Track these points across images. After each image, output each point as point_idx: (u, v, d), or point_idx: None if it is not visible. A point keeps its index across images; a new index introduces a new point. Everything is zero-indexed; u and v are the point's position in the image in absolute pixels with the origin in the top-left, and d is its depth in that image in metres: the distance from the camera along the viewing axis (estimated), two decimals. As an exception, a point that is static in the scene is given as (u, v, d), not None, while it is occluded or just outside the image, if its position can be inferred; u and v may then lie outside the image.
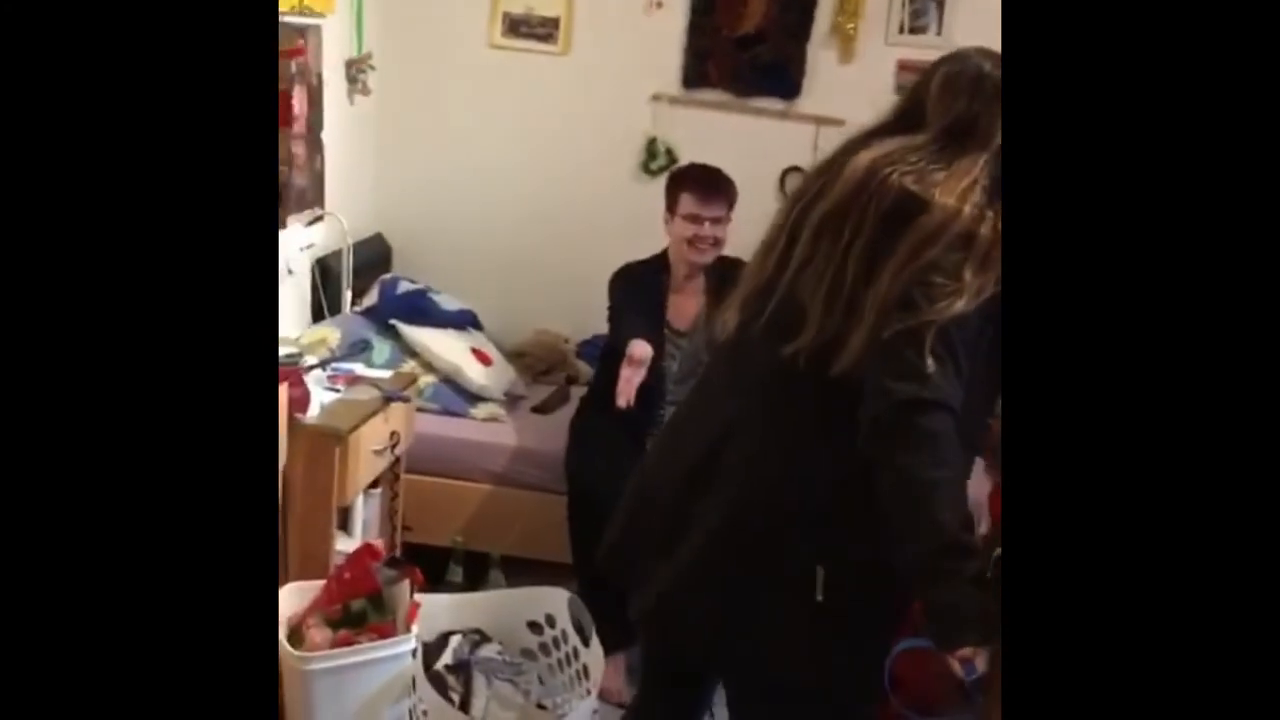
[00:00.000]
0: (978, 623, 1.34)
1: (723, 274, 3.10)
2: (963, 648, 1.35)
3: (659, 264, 3.14)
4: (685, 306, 3.13)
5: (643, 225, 3.83)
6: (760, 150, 3.75)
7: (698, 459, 1.67)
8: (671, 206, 3.06)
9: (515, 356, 3.78)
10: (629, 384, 2.73)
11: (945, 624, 1.37)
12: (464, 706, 2.48)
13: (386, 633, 2.31)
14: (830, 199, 1.56)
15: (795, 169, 3.75)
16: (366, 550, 2.37)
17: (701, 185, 3.02)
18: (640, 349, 2.79)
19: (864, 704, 1.64)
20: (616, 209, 3.87)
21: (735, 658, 1.67)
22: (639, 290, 3.08)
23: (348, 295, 3.41)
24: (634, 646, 2.93)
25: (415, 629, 2.28)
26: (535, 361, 3.79)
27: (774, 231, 1.69)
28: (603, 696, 2.81)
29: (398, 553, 2.96)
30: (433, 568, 3.14)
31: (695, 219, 3.00)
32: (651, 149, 3.80)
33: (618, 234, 3.86)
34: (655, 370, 3.00)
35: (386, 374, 2.86)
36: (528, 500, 3.13)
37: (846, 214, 1.53)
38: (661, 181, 3.79)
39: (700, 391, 1.83)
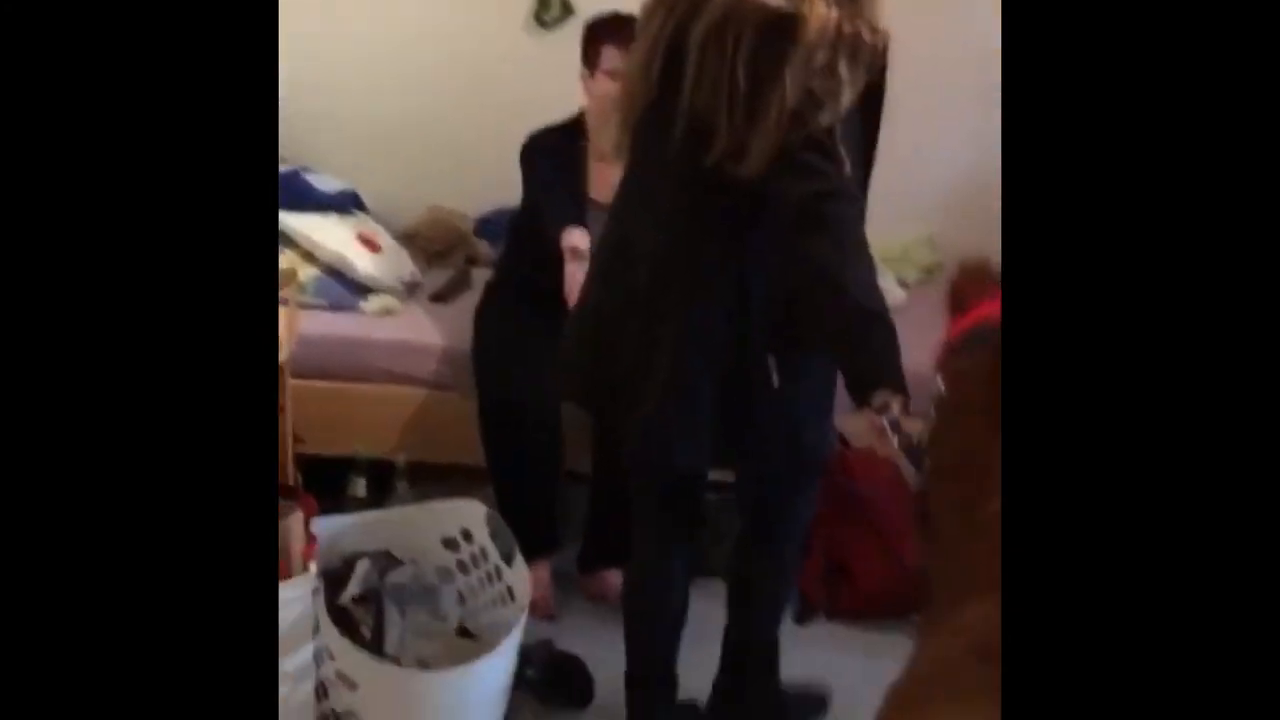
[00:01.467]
0: (885, 371, 1.57)
1: None
2: (876, 392, 1.56)
3: (575, 130, 2.78)
4: (608, 175, 2.80)
5: (539, 84, 3.44)
6: None
7: (642, 284, 1.83)
8: (591, 61, 2.69)
9: (407, 239, 3.43)
10: (576, 280, 2.42)
11: (859, 377, 1.61)
12: (376, 642, 2.23)
13: (281, 573, 2.03)
14: (707, 17, 1.67)
15: (704, 14, 3.40)
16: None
17: (624, 35, 2.58)
18: (580, 238, 2.49)
19: (822, 460, 2.02)
20: (508, 67, 3.48)
21: (719, 455, 1.94)
22: (558, 162, 2.74)
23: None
24: (559, 551, 2.72)
25: (312, 566, 2.00)
26: (429, 243, 3.43)
27: (648, 49, 1.76)
28: (529, 611, 2.59)
29: (290, 474, 2.66)
30: (332, 481, 2.85)
31: (617, 74, 2.60)
32: (543, -2, 3.41)
33: (511, 95, 3.48)
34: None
35: (259, 270, 2.50)
36: (432, 400, 2.82)
37: (725, 31, 1.66)
38: (559, 34, 3.45)
39: (618, 219, 1.97)
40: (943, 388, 1.39)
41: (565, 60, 3.43)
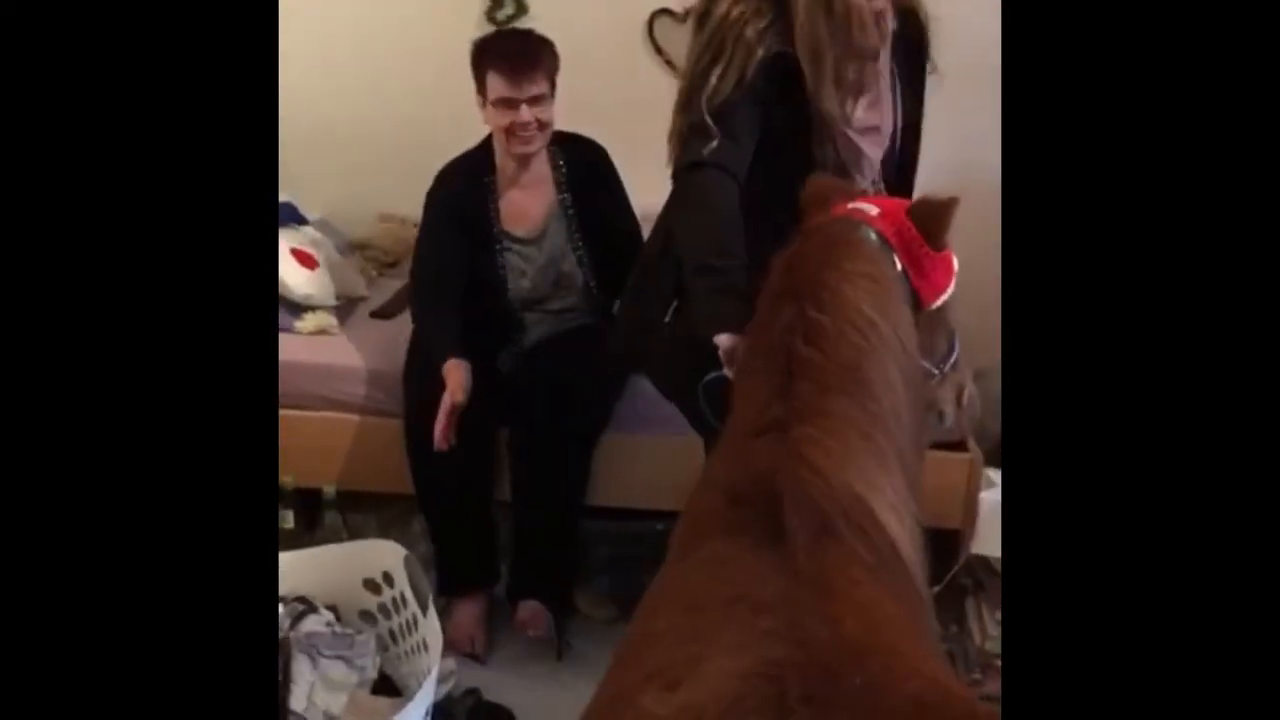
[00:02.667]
0: (714, 319, 1.69)
1: (575, 156, 2.60)
2: (718, 336, 1.66)
3: (483, 161, 2.62)
4: (525, 205, 2.62)
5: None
6: (623, -12, 3.23)
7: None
8: (480, 90, 2.53)
9: (358, 248, 3.29)
10: (444, 427, 2.36)
11: (701, 325, 1.71)
12: (282, 698, 2.10)
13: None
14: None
15: (665, 12, 3.23)
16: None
17: (508, 60, 2.46)
18: (457, 378, 2.39)
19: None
20: (460, 68, 3.29)
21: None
22: (458, 204, 2.59)
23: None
24: (494, 584, 2.58)
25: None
26: (380, 254, 3.30)
27: None
28: (452, 646, 2.46)
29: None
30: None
31: (509, 104, 2.47)
32: (496, -7, 3.24)
33: (464, 96, 3.30)
34: (496, 288, 2.55)
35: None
36: (368, 427, 2.68)
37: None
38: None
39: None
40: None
41: (520, 60, 3.30)
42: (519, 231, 2.60)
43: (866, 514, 1.23)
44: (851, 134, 1.91)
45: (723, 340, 1.65)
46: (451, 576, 2.53)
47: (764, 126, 1.85)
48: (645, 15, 3.24)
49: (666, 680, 1.07)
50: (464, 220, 2.56)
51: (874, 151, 1.98)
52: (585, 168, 2.63)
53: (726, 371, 1.65)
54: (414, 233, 3.31)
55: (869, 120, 1.94)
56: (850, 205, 1.58)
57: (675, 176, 1.89)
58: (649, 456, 2.58)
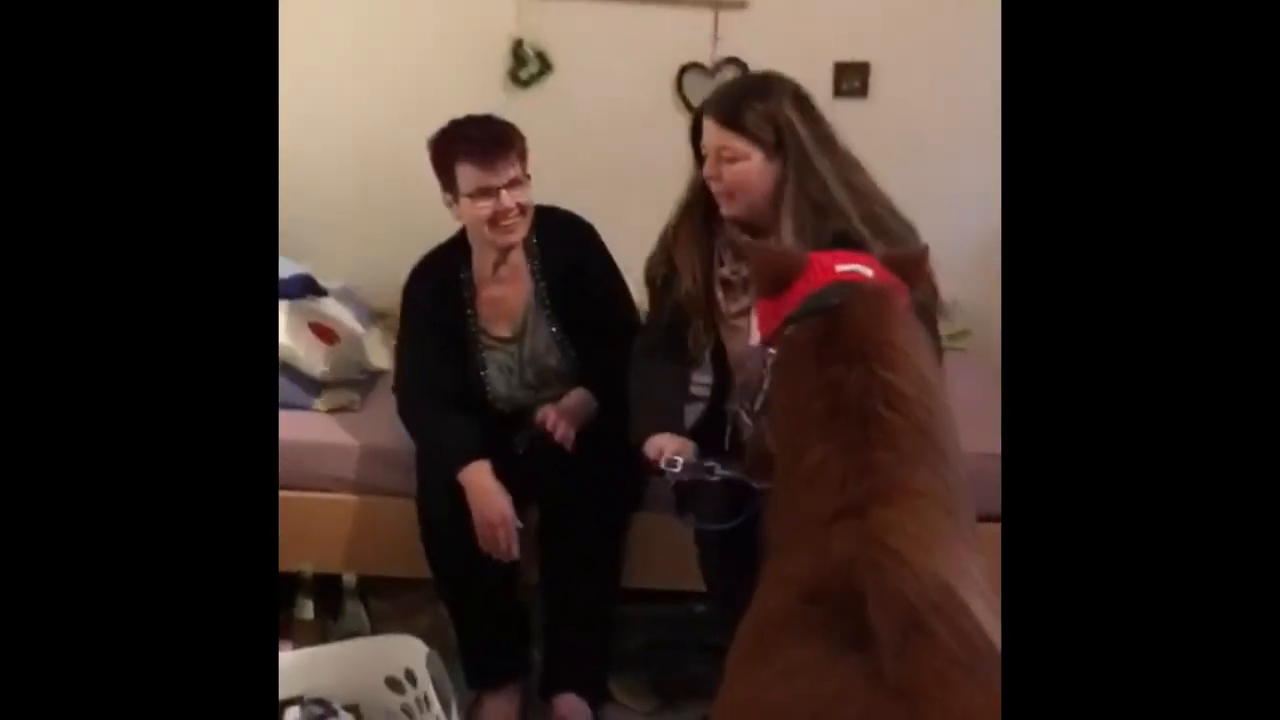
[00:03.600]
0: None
1: (551, 239, 2.44)
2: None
3: (458, 256, 2.47)
4: (503, 300, 2.47)
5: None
6: (651, 45, 3.12)
7: None
8: (449, 186, 2.36)
9: (379, 318, 3.18)
10: (510, 539, 2.27)
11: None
12: (296, 813, 1.96)
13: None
14: None
15: (695, 66, 3.12)
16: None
17: (478, 146, 2.31)
18: (480, 474, 2.28)
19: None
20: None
21: None
22: (435, 306, 2.45)
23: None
24: (524, 674, 2.43)
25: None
26: (404, 323, 3.18)
27: None
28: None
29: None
30: (282, 598, 2.60)
31: (487, 192, 2.30)
32: (519, 54, 3.15)
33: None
34: (478, 393, 2.43)
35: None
36: (392, 509, 2.54)
37: None
38: (537, 92, 3.20)
39: None
40: (775, 354, 1.47)
41: (545, 119, 3.18)
42: (499, 331, 2.46)
43: (958, 605, 1.12)
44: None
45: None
46: (478, 668, 2.38)
47: None
48: (674, 70, 3.13)
49: None
50: (443, 323, 2.42)
51: None
52: (562, 251, 2.46)
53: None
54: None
55: None
56: (840, 268, 1.49)
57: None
58: (686, 535, 2.42)
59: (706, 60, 3.11)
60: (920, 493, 1.23)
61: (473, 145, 2.30)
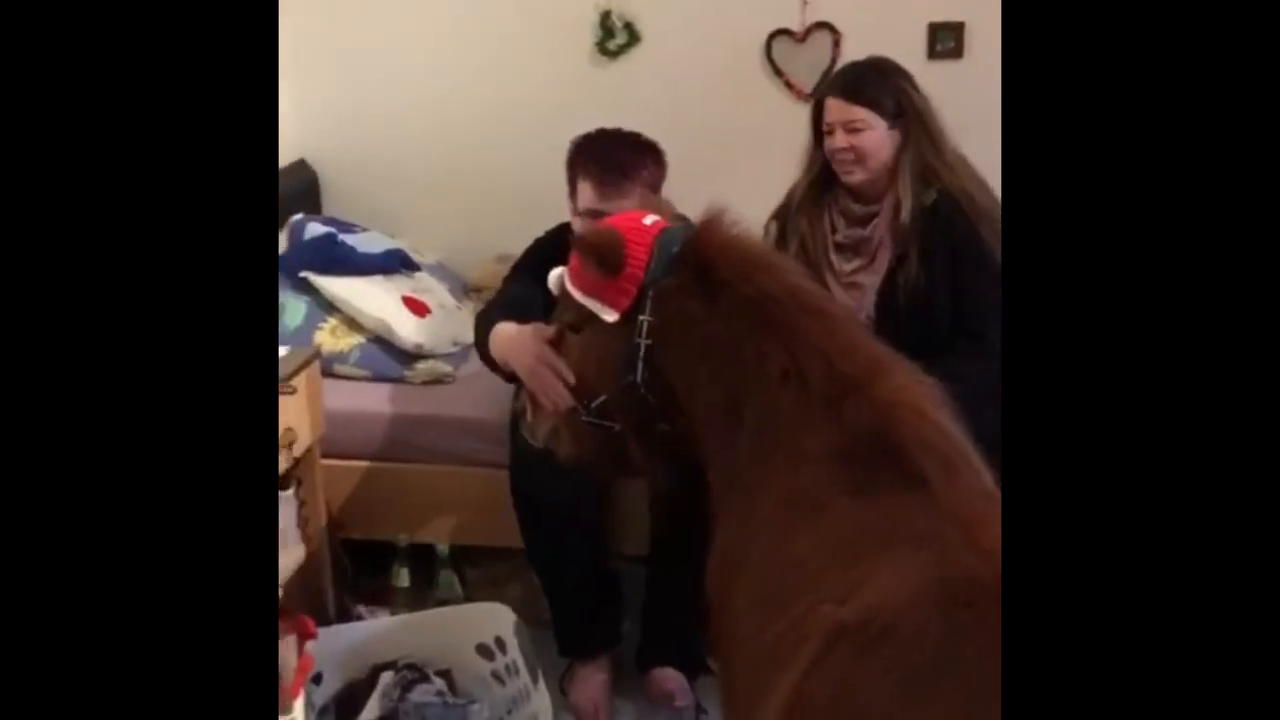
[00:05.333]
0: None
1: None
2: None
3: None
4: None
5: (605, 117, 3.19)
6: (739, 12, 3.08)
7: None
8: (571, 195, 2.26)
9: (473, 292, 3.22)
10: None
11: None
12: (390, 774, 2.00)
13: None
14: None
15: (783, 32, 3.07)
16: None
17: (599, 169, 2.18)
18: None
19: None
20: (574, 102, 3.22)
21: None
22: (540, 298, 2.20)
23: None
24: (617, 647, 2.44)
25: (298, 703, 1.77)
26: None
27: None
28: (574, 714, 2.32)
29: (326, 561, 2.47)
30: (379, 565, 2.65)
31: (596, 215, 2.12)
32: (606, 24, 3.13)
33: (577, 131, 3.20)
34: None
35: (281, 351, 2.31)
36: (483, 479, 2.55)
37: None
38: (626, 63, 3.18)
39: None
40: (651, 317, 1.52)
41: (634, 91, 3.18)
42: None
43: (970, 454, 1.32)
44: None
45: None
46: (570, 638, 2.39)
47: None
48: (762, 37, 3.08)
49: (834, 599, 1.20)
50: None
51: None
52: None
53: None
54: (531, 274, 3.26)
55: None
56: (645, 221, 1.58)
57: None
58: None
59: (796, 26, 3.05)
60: (897, 358, 1.40)
61: (596, 166, 2.20)
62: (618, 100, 3.19)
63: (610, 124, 3.17)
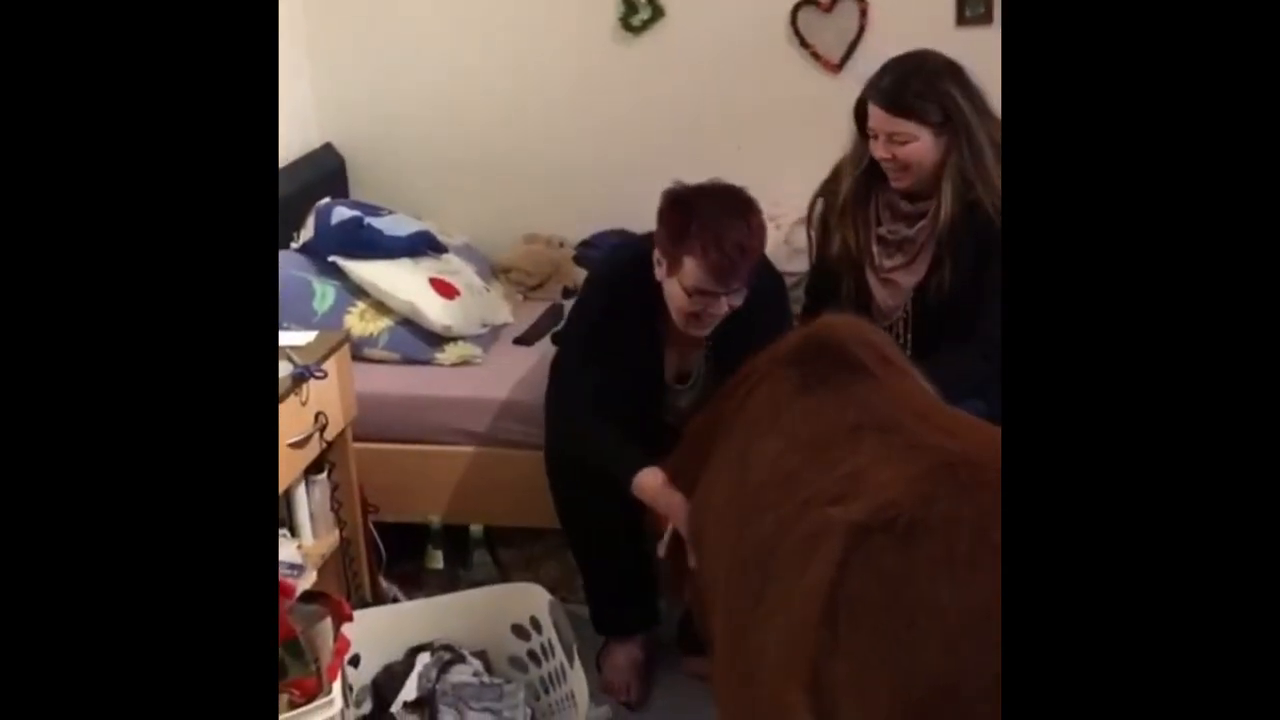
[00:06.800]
0: None
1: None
2: None
3: (655, 301, 2.17)
4: (685, 355, 2.30)
5: (632, 94, 3.19)
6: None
7: None
8: (671, 265, 2.08)
9: (501, 272, 3.21)
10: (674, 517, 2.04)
11: None
12: (429, 755, 2.00)
13: (310, 689, 1.82)
14: None
15: (809, 3, 3.03)
16: (272, 587, 1.86)
17: (721, 258, 2.01)
18: (652, 479, 2.07)
19: None
20: (598, 79, 3.20)
21: None
22: (627, 345, 2.20)
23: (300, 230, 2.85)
24: (654, 627, 2.43)
25: (336, 685, 1.78)
26: (525, 276, 3.20)
27: None
28: (607, 691, 2.32)
29: (362, 543, 2.47)
30: (413, 547, 2.66)
31: (705, 294, 2.06)
32: (630, 0, 3.10)
33: (604, 108, 3.21)
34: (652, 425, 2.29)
35: (310, 336, 2.31)
36: (515, 461, 2.56)
37: None
38: (649, 38, 3.15)
39: None
40: None
41: (658, 67, 3.15)
42: (677, 385, 2.34)
43: (900, 352, 1.61)
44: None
45: None
46: (606, 616, 2.38)
47: None
48: (787, 8, 3.04)
49: (830, 499, 1.27)
50: (632, 369, 2.22)
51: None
52: (739, 319, 2.17)
53: None
54: (559, 253, 3.24)
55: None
56: None
57: None
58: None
59: (822, -2, 3.01)
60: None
61: (717, 255, 2.01)
62: (643, 76, 3.17)
63: (634, 99, 3.17)
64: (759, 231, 2.10)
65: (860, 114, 2.24)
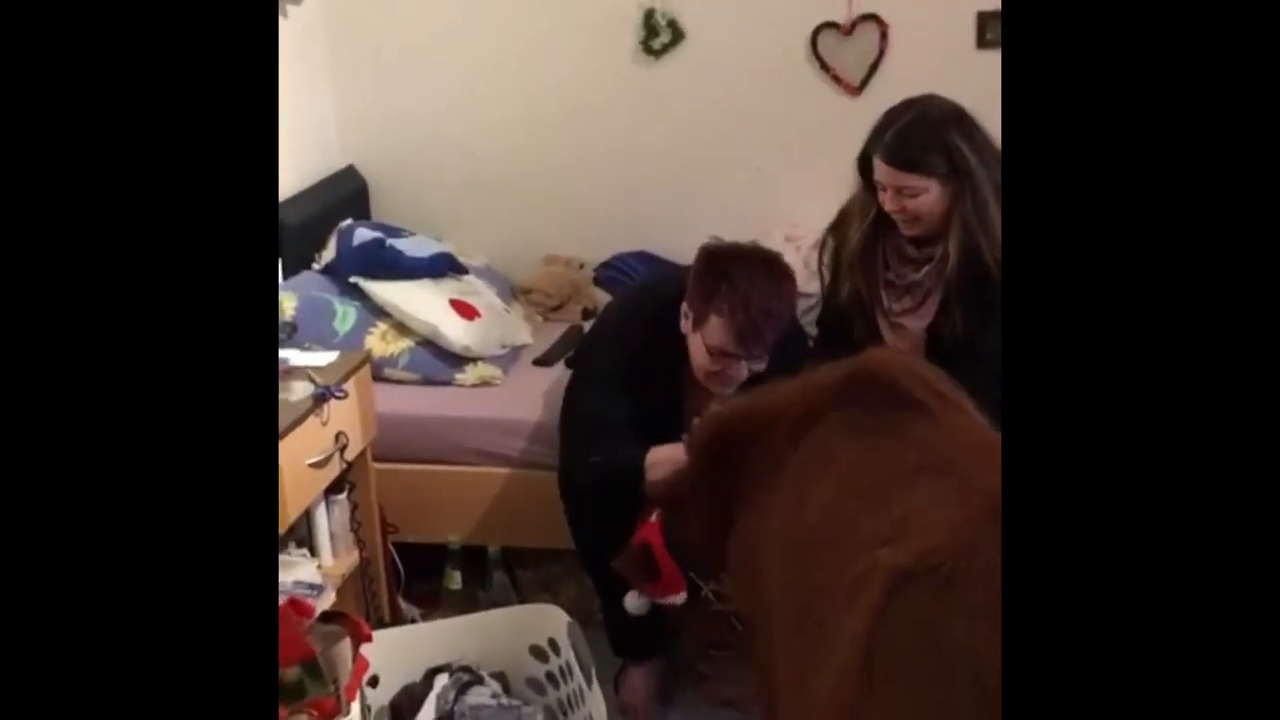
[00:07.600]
0: None
1: None
2: None
3: (677, 344, 2.19)
4: (705, 405, 2.24)
5: (652, 117, 3.20)
6: (784, 6, 3.05)
7: None
8: (698, 320, 2.11)
9: (521, 294, 3.22)
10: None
11: None
12: (447, 778, 2.00)
13: (329, 710, 1.82)
14: None
15: (829, 25, 3.04)
16: (291, 607, 1.87)
17: (752, 327, 2.04)
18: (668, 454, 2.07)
19: None
20: (619, 102, 3.22)
21: None
22: (649, 396, 2.20)
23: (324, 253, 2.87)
24: (669, 653, 2.42)
25: (355, 705, 1.78)
26: (545, 297, 3.21)
27: None
28: (624, 713, 2.31)
29: (382, 564, 2.48)
30: (432, 568, 2.66)
31: (725, 355, 2.10)
32: (650, 24, 3.12)
33: (623, 131, 3.23)
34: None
35: (331, 356, 2.32)
36: (532, 482, 2.56)
37: None
38: (670, 61, 3.16)
39: None
40: None
41: (679, 90, 3.17)
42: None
43: (952, 387, 1.47)
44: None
45: None
46: (622, 641, 2.38)
47: None
48: (807, 31, 3.05)
49: (881, 541, 1.23)
50: (653, 411, 2.22)
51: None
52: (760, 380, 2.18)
53: None
54: (579, 275, 3.25)
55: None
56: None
57: None
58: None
59: (842, 18, 3.02)
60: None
61: (744, 318, 2.04)
62: (663, 99, 3.18)
63: (654, 121, 3.18)
64: (789, 300, 2.12)
65: (865, 165, 2.22)
